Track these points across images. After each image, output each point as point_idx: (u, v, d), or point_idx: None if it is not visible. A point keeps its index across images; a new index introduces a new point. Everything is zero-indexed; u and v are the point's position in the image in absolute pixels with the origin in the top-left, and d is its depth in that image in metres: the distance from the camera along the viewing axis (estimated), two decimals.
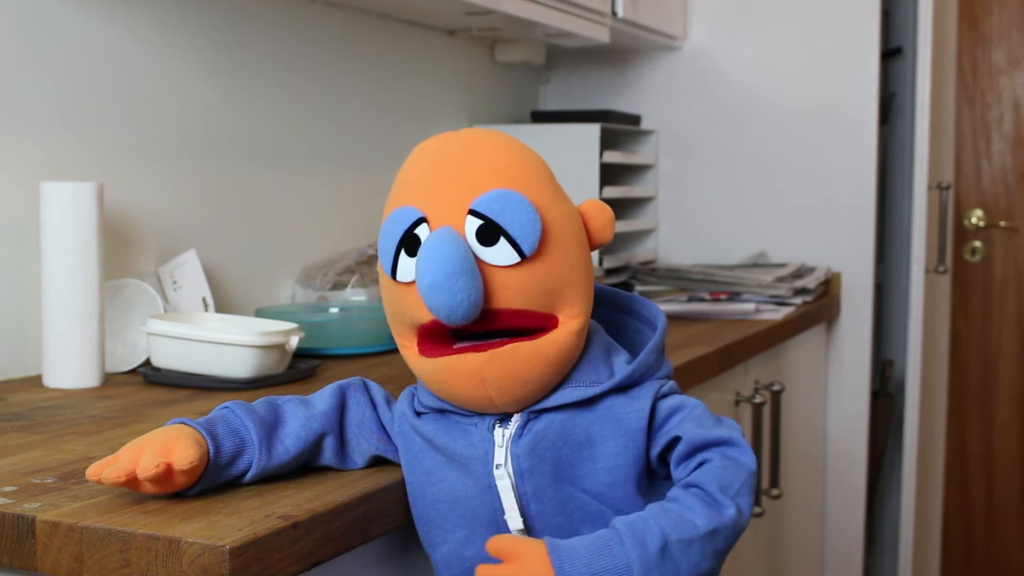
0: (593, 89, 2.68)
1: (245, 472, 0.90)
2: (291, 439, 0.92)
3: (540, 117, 2.52)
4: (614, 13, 2.23)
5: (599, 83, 2.67)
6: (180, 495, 0.86)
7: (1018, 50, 3.16)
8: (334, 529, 0.85)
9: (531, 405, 0.90)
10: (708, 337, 1.81)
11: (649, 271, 2.37)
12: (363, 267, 1.80)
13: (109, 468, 0.83)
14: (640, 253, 2.52)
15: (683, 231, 2.58)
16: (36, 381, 1.37)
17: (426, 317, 0.87)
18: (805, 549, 2.45)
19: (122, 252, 1.54)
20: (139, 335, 1.43)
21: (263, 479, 0.91)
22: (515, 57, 2.46)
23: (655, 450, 0.90)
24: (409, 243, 0.87)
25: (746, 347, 1.87)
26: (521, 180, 0.88)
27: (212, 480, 0.88)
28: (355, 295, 1.75)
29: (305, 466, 0.95)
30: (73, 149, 1.48)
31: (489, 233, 0.85)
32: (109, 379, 1.39)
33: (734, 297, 2.19)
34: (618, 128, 2.43)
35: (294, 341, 1.35)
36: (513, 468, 0.89)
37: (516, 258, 0.86)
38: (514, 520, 0.89)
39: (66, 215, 1.32)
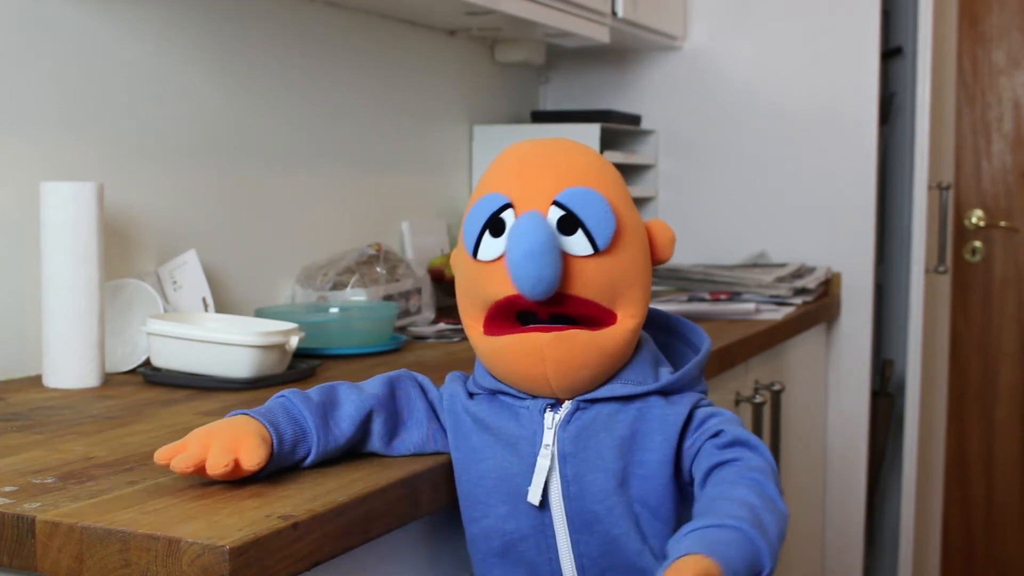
0: (593, 89, 2.68)
1: (305, 457, 0.95)
2: (346, 422, 0.98)
3: (540, 117, 2.52)
4: (614, 13, 2.23)
5: (599, 83, 2.67)
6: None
7: (1018, 50, 3.16)
8: (334, 529, 0.85)
9: (582, 393, 0.97)
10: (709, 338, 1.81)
11: None
12: (363, 267, 1.79)
13: (178, 457, 0.87)
14: None
15: (683, 231, 2.58)
16: (36, 381, 1.37)
17: (501, 294, 0.94)
18: (805, 549, 2.45)
19: (122, 252, 1.54)
20: (139, 335, 1.43)
21: (322, 462, 0.96)
22: (515, 57, 2.46)
23: (692, 446, 0.96)
24: (494, 225, 0.94)
25: (746, 347, 1.87)
26: (601, 182, 0.97)
27: (275, 467, 0.93)
28: (355, 295, 1.75)
29: (354, 451, 0.99)
30: (73, 149, 1.48)
31: (569, 223, 0.94)
32: (109, 379, 1.39)
33: (734, 297, 2.19)
34: (618, 128, 2.43)
35: (294, 341, 1.35)
36: (558, 450, 0.96)
37: (590, 250, 0.94)
38: (534, 495, 0.96)
39: (66, 215, 1.32)
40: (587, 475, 0.96)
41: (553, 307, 0.94)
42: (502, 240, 0.94)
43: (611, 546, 0.95)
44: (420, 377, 1.05)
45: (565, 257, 0.93)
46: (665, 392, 0.98)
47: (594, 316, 0.95)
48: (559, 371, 0.95)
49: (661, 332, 1.09)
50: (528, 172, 0.96)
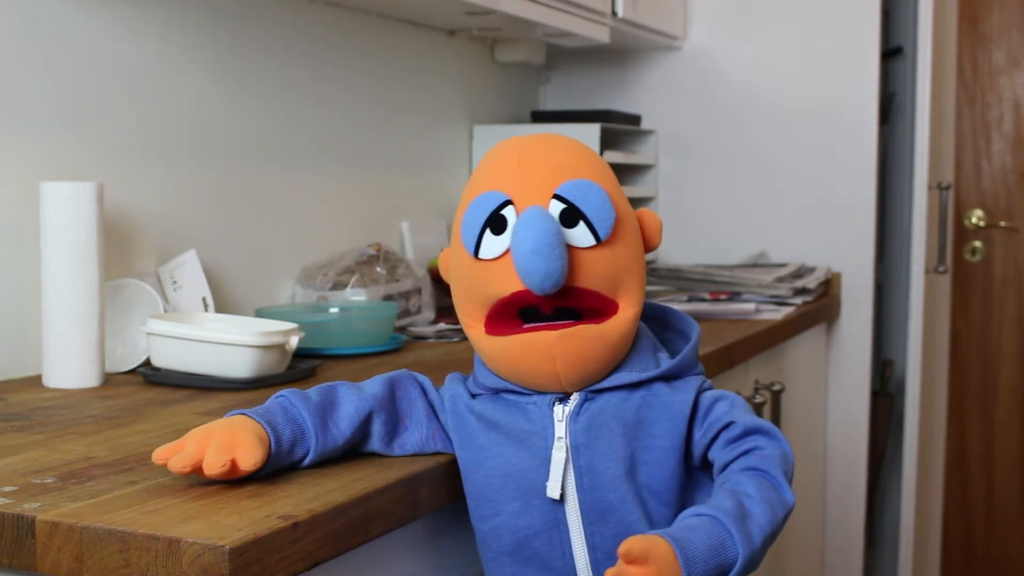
0: (593, 89, 2.68)
1: (303, 457, 0.95)
2: (345, 422, 0.97)
3: (540, 117, 2.52)
4: (614, 13, 2.23)
5: (599, 83, 2.67)
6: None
7: (1018, 50, 3.16)
8: (334, 529, 0.85)
9: (590, 385, 0.98)
10: (708, 337, 1.81)
11: (649, 271, 2.37)
12: (363, 267, 1.79)
13: (176, 458, 0.88)
14: None
15: (683, 231, 2.58)
16: (36, 381, 1.37)
17: (506, 291, 0.94)
18: (805, 549, 2.45)
19: (122, 252, 1.54)
20: (139, 335, 1.43)
21: (321, 462, 0.96)
22: (515, 57, 2.46)
23: (703, 437, 0.98)
24: (495, 223, 0.95)
25: (746, 347, 1.87)
26: (598, 174, 0.98)
27: (273, 467, 0.93)
28: (355, 295, 1.75)
29: (354, 451, 0.99)
30: (73, 149, 1.48)
31: (571, 216, 0.94)
32: (109, 379, 1.39)
33: (734, 297, 2.19)
34: (618, 128, 2.43)
35: (294, 341, 1.35)
36: (570, 442, 0.97)
37: (592, 241, 0.95)
38: (553, 489, 0.96)
39: (66, 215, 1.32)
40: (600, 464, 0.96)
41: (560, 300, 0.94)
42: (504, 237, 0.94)
43: (624, 534, 0.95)
44: (420, 377, 1.05)
45: (569, 250, 0.93)
46: (667, 377, 1.00)
47: (598, 307, 0.96)
48: (569, 366, 0.95)
49: (653, 323, 1.10)
50: (525, 168, 0.96)
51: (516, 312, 0.96)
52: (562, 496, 0.97)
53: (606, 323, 0.96)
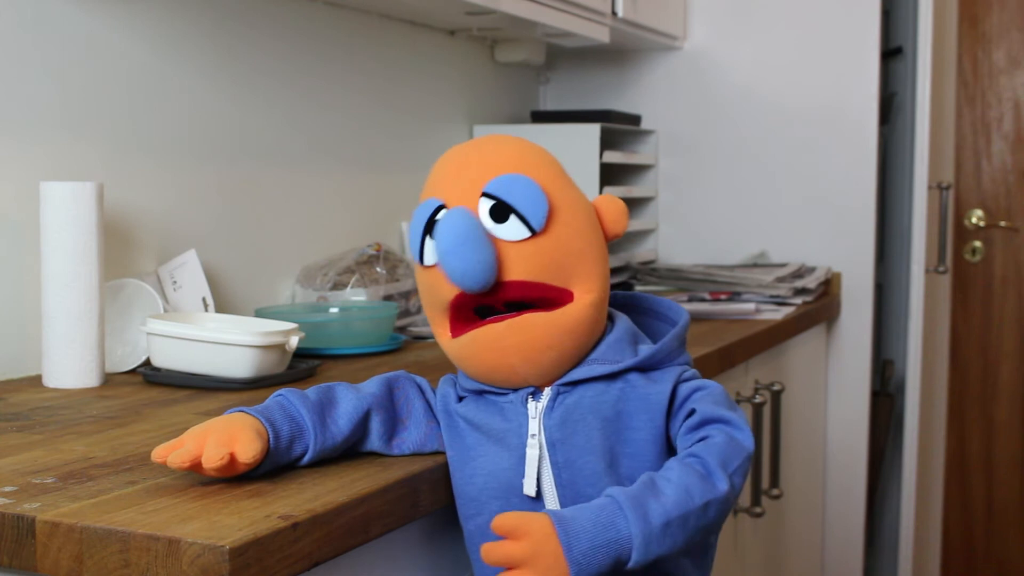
0: (593, 89, 2.68)
1: (303, 455, 0.95)
2: (344, 420, 0.98)
3: (540, 117, 2.52)
4: (614, 13, 2.23)
5: (599, 83, 2.67)
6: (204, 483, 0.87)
7: (1018, 50, 3.16)
8: (334, 529, 0.85)
9: (556, 377, 0.98)
10: (708, 337, 1.81)
11: (649, 271, 2.37)
12: (363, 267, 1.79)
13: (175, 453, 0.88)
14: (640, 253, 2.52)
15: (683, 231, 2.58)
16: (36, 381, 1.37)
17: (451, 294, 0.95)
18: (805, 549, 2.45)
19: (122, 252, 1.54)
20: (139, 335, 1.43)
21: (319, 461, 0.96)
22: (515, 57, 2.46)
23: (675, 427, 0.97)
24: (431, 228, 0.96)
25: (746, 347, 1.87)
26: (529, 167, 0.97)
27: (272, 464, 0.93)
28: (355, 295, 1.75)
29: (354, 451, 0.99)
30: (73, 149, 1.48)
31: (500, 211, 0.94)
32: (109, 379, 1.39)
33: (734, 297, 2.19)
34: (618, 128, 2.43)
35: (294, 341, 1.35)
36: (546, 438, 0.97)
37: (526, 233, 0.94)
38: (529, 486, 0.96)
39: (66, 215, 1.32)
40: (577, 459, 0.96)
41: (503, 296, 0.95)
42: None
43: None
44: (418, 379, 1.06)
45: (503, 246, 0.94)
46: (644, 368, 0.99)
47: (548, 297, 0.96)
48: (523, 356, 0.95)
49: (639, 314, 1.09)
50: (461, 171, 0.97)
51: (471, 312, 0.97)
52: (540, 493, 0.97)
53: (558, 310, 0.96)
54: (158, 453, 0.89)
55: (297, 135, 1.89)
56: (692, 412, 0.96)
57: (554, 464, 0.97)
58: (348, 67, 2.00)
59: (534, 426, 0.97)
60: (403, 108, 2.16)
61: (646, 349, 1.00)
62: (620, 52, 2.62)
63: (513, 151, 0.99)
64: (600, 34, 2.19)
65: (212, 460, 0.87)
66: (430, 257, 0.96)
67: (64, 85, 1.47)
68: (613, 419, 0.97)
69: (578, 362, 0.98)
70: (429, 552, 1.06)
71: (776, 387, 2.03)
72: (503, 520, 0.84)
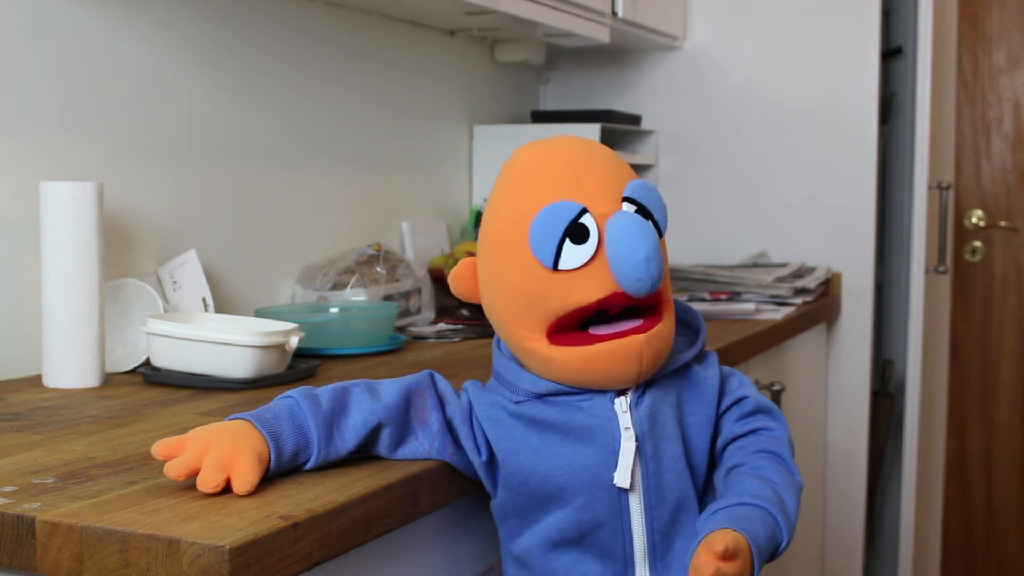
0: (593, 89, 2.68)
1: (305, 463, 0.95)
2: (351, 434, 0.96)
3: (540, 117, 2.52)
4: (614, 13, 2.23)
5: (599, 83, 2.67)
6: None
7: (1018, 50, 3.16)
8: (334, 529, 0.85)
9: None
10: (708, 337, 1.80)
11: None
12: (363, 267, 1.79)
13: (173, 462, 0.87)
14: None
15: (683, 231, 2.58)
16: (36, 381, 1.37)
17: (589, 298, 0.95)
18: (805, 549, 2.45)
19: (122, 252, 1.54)
20: (139, 335, 1.43)
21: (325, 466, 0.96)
22: (515, 57, 2.46)
23: (723, 406, 1.05)
24: (575, 232, 0.94)
25: (746, 347, 1.87)
26: (635, 175, 1.01)
27: (272, 474, 0.92)
28: (355, 295, 1.75)
29: (360, 451, 0.99)
30: (73, 149, 1.48)
31: (643, 216, 0.97)
32: (109, 379, 1.39)
33: (734, 297, 2.19)
34: (618, 128, 2.43)
35: (294, 341, 1.35)
36: (637, 431, 0.99)
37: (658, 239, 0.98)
38: (622, 479, 0.98)
39: (66, 215, 1.32)
40: (662, 448, 1.00)
41: (644, 302, 0.97)
42: (587, 246, 0.94)
43: (678, 512, 1.00)
44: (442, 386, 1.03)
45: None
46: (699, 358, 1.06)
47: (656, 302, 0.99)
48: (653, 363, 0.99)
49: None
50: (587, 174, 0.97)
51: (578, 321, 0.97)
52: (631, 485, 0.99)
53: (666, 319, 1.00)
54: (159, 449, 0.89)
55: (297, 135, 1.88)
56: (742, 399, 1.04)
57: (643, 455, 0.99)
58: (348, 67, 2.00)
59: (627, 420, 0.99)
60: (403, 108, 2.16)
61: (683, 343, 1.07)
62: (620, 52, 2.62)
63: (616, 156, 1.02)
64: (600, 34, 2.19)
65: (207, 485, 0.86)
66: (571, 260, 0.95)
67: (64, 85, 1.47)
68: (678, 405, 1.02)
69: None
70: (429, 552, 1.06)
71: (776, 387, 2.03)
72: (728, 542, 0.88)
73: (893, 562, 2.74)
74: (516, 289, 0.98)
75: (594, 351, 0.97)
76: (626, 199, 0.97)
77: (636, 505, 0.99)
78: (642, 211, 0.97)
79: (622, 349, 0.96)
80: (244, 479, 0.87)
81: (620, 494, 0.98)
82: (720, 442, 1.04)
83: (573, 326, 0.97)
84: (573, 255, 0.95)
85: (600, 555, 0.99)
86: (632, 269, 0.94)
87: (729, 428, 1.04)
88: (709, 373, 1.04)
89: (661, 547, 0.99)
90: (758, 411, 1.04)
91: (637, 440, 0.98)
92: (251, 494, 0.87)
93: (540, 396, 1.00)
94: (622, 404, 0.99)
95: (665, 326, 0.99)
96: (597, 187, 0.97)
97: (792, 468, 1.01)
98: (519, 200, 0.98)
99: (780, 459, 1.01)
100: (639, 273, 0.94)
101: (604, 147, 1.03)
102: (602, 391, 1.00)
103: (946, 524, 3.21)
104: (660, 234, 0.98)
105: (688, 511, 1.00)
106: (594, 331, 0.97)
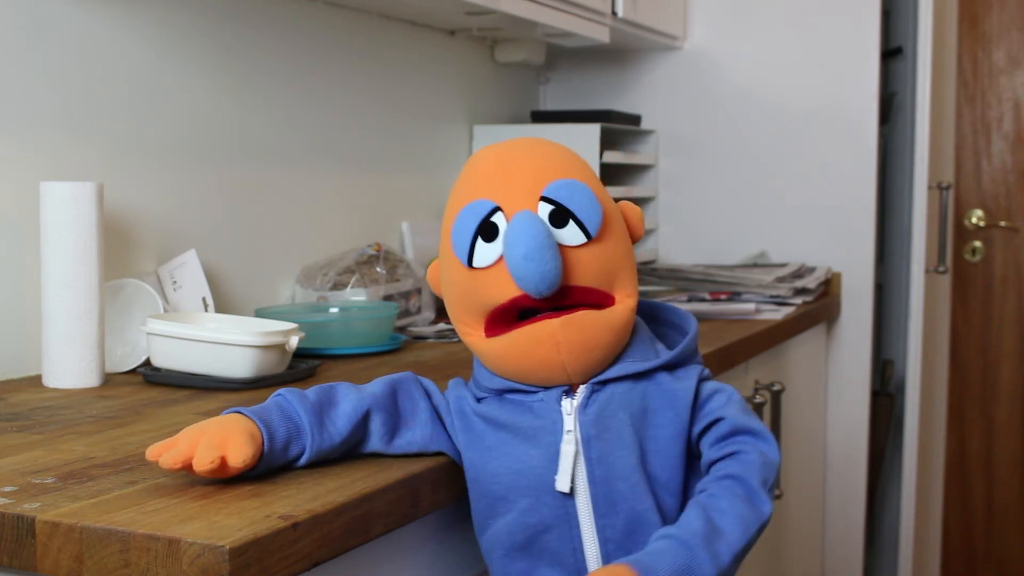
0: (593, 89, 2.68)
1: (300, 455, 0.95)
2: (342, 420, 0.97)
3: (540, 117, 2.52)
4: (614, 13, 2.23)
5: (599, 83, 2.67)
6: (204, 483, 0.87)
7: (1018, 50, 3.16)
8: (334, 529, 0.85)
9: (595, 375, 0.99)
10: (708, 337, 1.81)
11: (649, 271, 2.37)
12: (363, 267, 1.79)
13: (167, 454, 0.88)
14: (640, 253, 2.52)
15: (683, 231, 2.58)
16: (36, 381, 1.37)
17: (503, 297, 0.95)
18: (805, 549, 2.45)
19: (122, 252, 1.54)
20: (139, 335, 1.43)
21: (318, 462, 0.96)
22: (515, 57, 2.46)
23: (697, 427, 0.99)
24: (486, 230, 0.95)
25: (746, 347, 1.87)
26: (581, 173, 0.99)
27: (268, 465, 0.93)
28: (355, 295, 1.75)
29: (353, 452, 0.99)
30: (73, 149, 1.48)
31: (560, 216, 0.96)
32: (109, 379, 1.39)
33: (734, 297, 2.19)
34: (618, 128, 2.43)
35: (294, 341, 1.35)
36: (581, 435, 0.97)
37: (583, 239, 0.96)
38: (563, 483, 0.96)
39: (66, 215, 1.32)
40: (611, 455, 0.97)
41: (556, 301, 0.95)
42: (496, 244, 0.95)
43: (635, 524, 0.96)
44: (424, 380, 1.05)
45: (562, 250, 0.95)
46: (670, 367, 1.01)
47: (596, 302, 0.97)
48: (574, 353, 0.96)
49: (648, 320, 1.11)
50: (510, 173, 0.97)
51: (515, 316, 0.97)
52: (572, 489, 0.97)
53: (607, 310, 0.98)
54: (152, 452, 0.89)
55: (297, 135, 1.89)
56: (719, 420, 0.98)
57: (588, 460, 0.97)
58: (348, 67, 2.00)
59: (569, 423, 0.97)
60: (403, 108, 2.16)
61: (664, 351, 1.03)
62: (620, 52, 2.62)
63: (562, 156, 1.00)
64: (600, 34, 2.19)
65: (202, 463, 0.87)
66: (483, 259, 0.95)
67: (64, 85, 1.47)
68: (640, 416, 0.98)
69: (615, 361, 0.99)
70: (429, 552, 1.06)
71: (776, 387, 2.03)
72: (595, 575, 0.85)
73: (893, 562, 2.74)
74: (451, 286, 1.00)
75: (511, 338, 0.97)
76: (543, 198, 0.96)
77: (585, 511, 0.97)
78: (561, 210, 0.95)
79: (535, 334, 0.95)
80: (238, 453, 0.88)
81: (565, 498, 0.97)
82: (701, 467, 0.99)
83: (509, 320, 0.97)
84: (484, 253, 0.95)
85: (552, 563, 0.98)
86: (514, 268, 0.93)
87: (707, 453, 0.98)
88: (683, 385, 1.00)
89: (616, 558, 0.95)
90: (736, 432, 0.97)
91: (581, 443, 0.96)
92: (251, 495, 0.87)
93: (499, 393, 1.00)
94: (567, 406, 0.98)
95: (591, 315, 0.96)
96: (518, 186, 0.96)
97: (755, 495, 0.93)
98: (453, 199, 1.00)
99: (743, 485, 0.93)
100: (519, 272, 0.93)
101: (551, 146, 1.02)
102: (546, 388, 0.98)
103: (946, 524, 3.21)
104: (587, 234, 0.95)
105: (646, 524, 0.96)
106: (529, 319, 0.97)
